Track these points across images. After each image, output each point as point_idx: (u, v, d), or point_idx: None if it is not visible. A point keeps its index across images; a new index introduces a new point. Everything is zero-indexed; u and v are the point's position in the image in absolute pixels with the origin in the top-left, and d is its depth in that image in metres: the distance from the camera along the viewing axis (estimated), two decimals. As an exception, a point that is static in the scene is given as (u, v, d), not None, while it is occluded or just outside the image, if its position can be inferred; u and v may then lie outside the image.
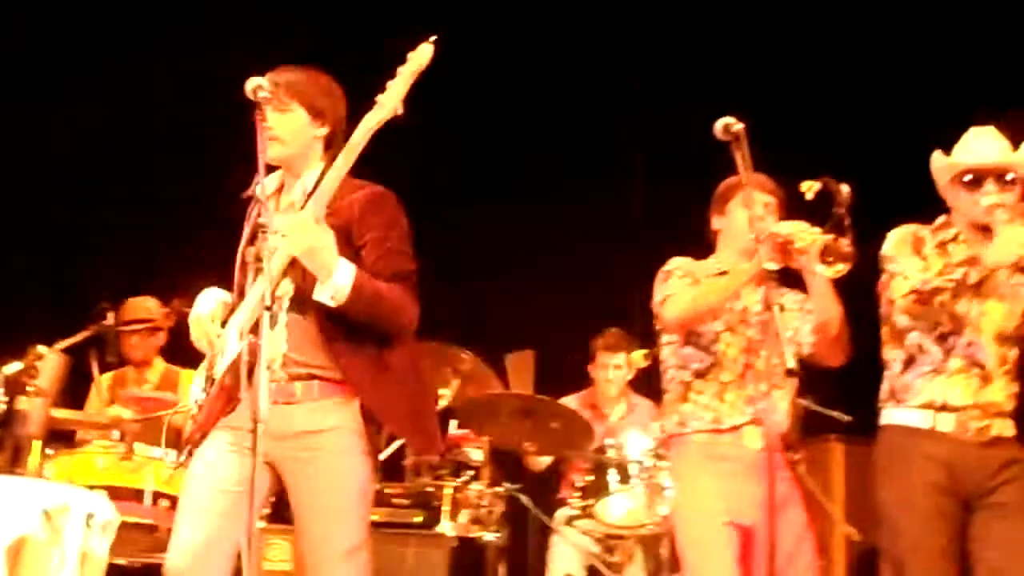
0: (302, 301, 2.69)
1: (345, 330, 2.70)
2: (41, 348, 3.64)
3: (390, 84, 2.63)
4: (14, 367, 3.44)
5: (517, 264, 6.02)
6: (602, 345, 5.22)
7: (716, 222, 3.48)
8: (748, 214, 3.02)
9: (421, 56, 2.64)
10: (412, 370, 2.89)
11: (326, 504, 2.71)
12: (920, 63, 5.96)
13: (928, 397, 3.11)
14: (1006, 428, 3.14)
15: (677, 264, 3.43)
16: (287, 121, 2.75)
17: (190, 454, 2.86)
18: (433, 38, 2.64)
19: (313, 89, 2.82)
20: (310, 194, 2.70)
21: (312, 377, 2.74)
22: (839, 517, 5.10)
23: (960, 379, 3.11)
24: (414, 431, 3.01)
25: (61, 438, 4.10)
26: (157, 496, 3.81)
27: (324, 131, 2.81)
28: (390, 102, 2.63)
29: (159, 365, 4.82)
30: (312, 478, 2.70)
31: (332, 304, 2.59)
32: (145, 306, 4.70)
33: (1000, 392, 3.14)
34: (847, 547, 5.29)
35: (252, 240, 2.72)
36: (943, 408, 3.09)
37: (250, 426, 2.26)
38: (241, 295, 2.82)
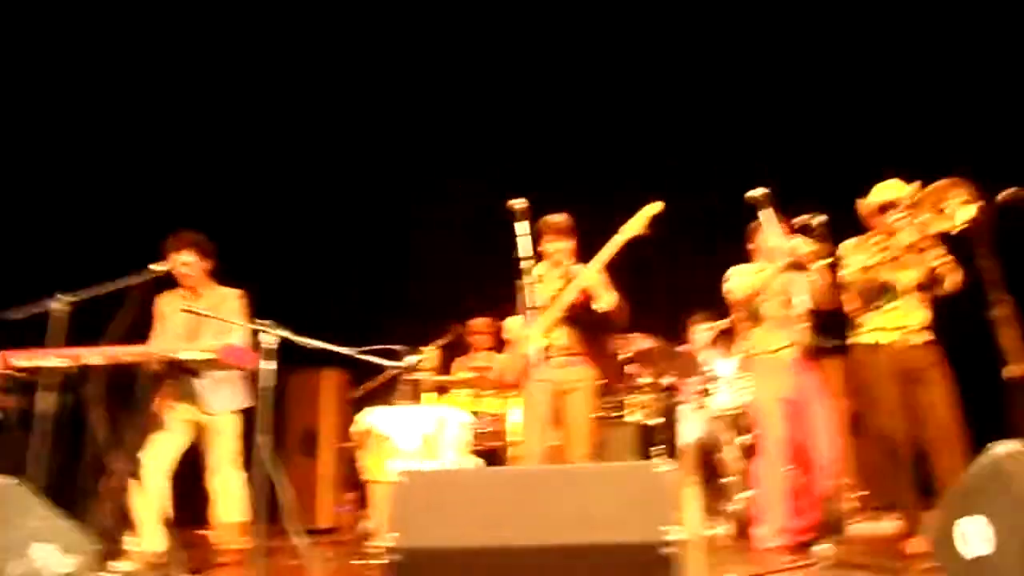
0: (568, 320, 3.80)
1: (585, 332, 3.81)
2: (425, 348, 4.56)
3: (631, 220, 3.72)
4: (416, 357, 4.09)
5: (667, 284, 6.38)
6: (694, 319, 5.78)
7: (752, 244, 4.23)
8: (774, 238, 3.81)
9: (654, 207, 3.68)
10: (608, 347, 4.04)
11: (577, 414, 3.79)
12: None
13: (875, 324, 3.82)
14: (921, 337, 3.81)
15: (733, 269, 4.23)
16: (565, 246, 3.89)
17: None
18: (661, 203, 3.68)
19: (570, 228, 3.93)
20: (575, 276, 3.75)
21: (573, 354, 3.85)
22: (839, 393, 5.46)
23: (892, 314, 3.81)
24: (611, 377, 4.12)
25: (441, 390, 4.99)
26: (490, 415, 4.66)
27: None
28: (631, 230, 3.72)
29: (485, 354, 5.41)
30: (571, 401, 3.80)
31: (607, 309, 3.69)
32: (483, 322, 5.47)
33: (916, 317, 3.82)
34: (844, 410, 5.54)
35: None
36: (885, 330, 3.80)
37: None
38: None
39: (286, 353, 3.39)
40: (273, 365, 3.25)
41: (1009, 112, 6.02)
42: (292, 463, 6.20)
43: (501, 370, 4.11)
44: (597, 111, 6.95)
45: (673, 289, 6.15)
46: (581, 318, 3.79)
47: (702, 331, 5.73)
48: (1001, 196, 3.28)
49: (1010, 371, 3.04)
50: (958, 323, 3.81)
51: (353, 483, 5.94)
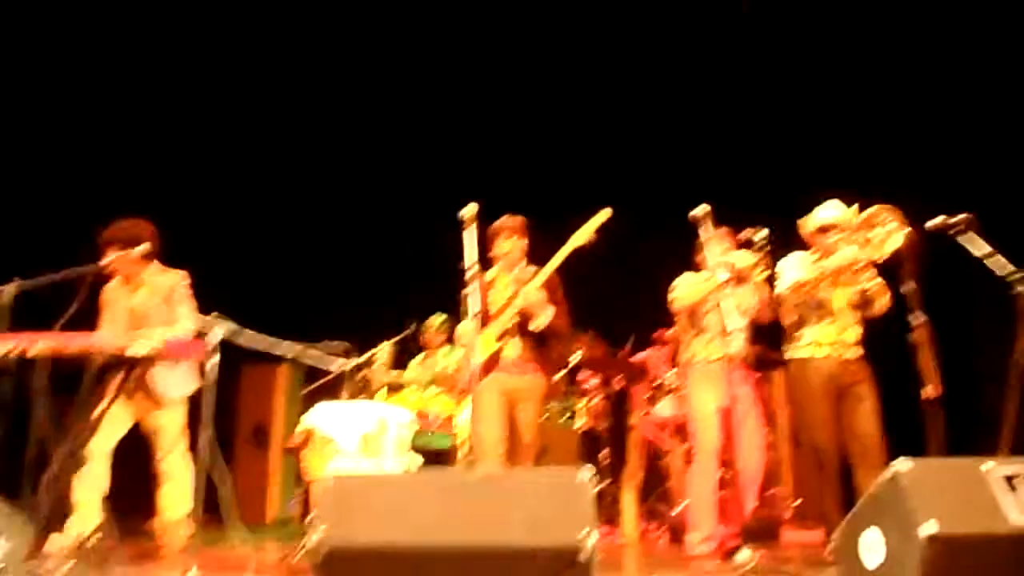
0: (518, 328, 3.90)
1: (534, 340, 3.91)
2: (378, 344, 4.58)
3: (581, 229, 3.80)
4: (364, 357, 4.38)
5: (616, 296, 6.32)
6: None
7: (698, 256, 4.18)
8: (717, 253, 3.88)
9: (602, 215, 3.77)
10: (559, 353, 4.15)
11: (526, 422, 3.88)
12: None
13: (810, 339, 3.91)
14: (854, 353, 3.92)
15: (681, 278, 4.28)
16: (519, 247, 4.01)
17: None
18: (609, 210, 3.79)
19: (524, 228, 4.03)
20: (527, 280, 3.88)
21: (524, 362, 3.92)
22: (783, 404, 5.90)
23: (827, 330, 3.91)
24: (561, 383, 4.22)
25: (394, 388, 5.08)
26: (437, 415, 4.69)
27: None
28: (579, 239, 3.81)
29: (444, 350, 5.41)
30: (520, 409, 3.86)
31: (542, 328, 3.81)
32: (438, 320, 5.50)
33: (850, 334, 3.94)
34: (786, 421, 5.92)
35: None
36: (820, 345, 3.89)
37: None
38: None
39: (240, 346, 3.43)
40: (215, 359, 3.26)
41: (943, 137, 6.19)
42: (243, 457, 6.25)
43: (457, 375, 4.19)
44: (547, 120, 6.96)
45: (625, 296, 6.18)
46: (528, 328, 3.87)
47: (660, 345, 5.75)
48: (929, 224, 3.42)
49: (927, 392, 3.18)
50: (882, 343, 3.92)
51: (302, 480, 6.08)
